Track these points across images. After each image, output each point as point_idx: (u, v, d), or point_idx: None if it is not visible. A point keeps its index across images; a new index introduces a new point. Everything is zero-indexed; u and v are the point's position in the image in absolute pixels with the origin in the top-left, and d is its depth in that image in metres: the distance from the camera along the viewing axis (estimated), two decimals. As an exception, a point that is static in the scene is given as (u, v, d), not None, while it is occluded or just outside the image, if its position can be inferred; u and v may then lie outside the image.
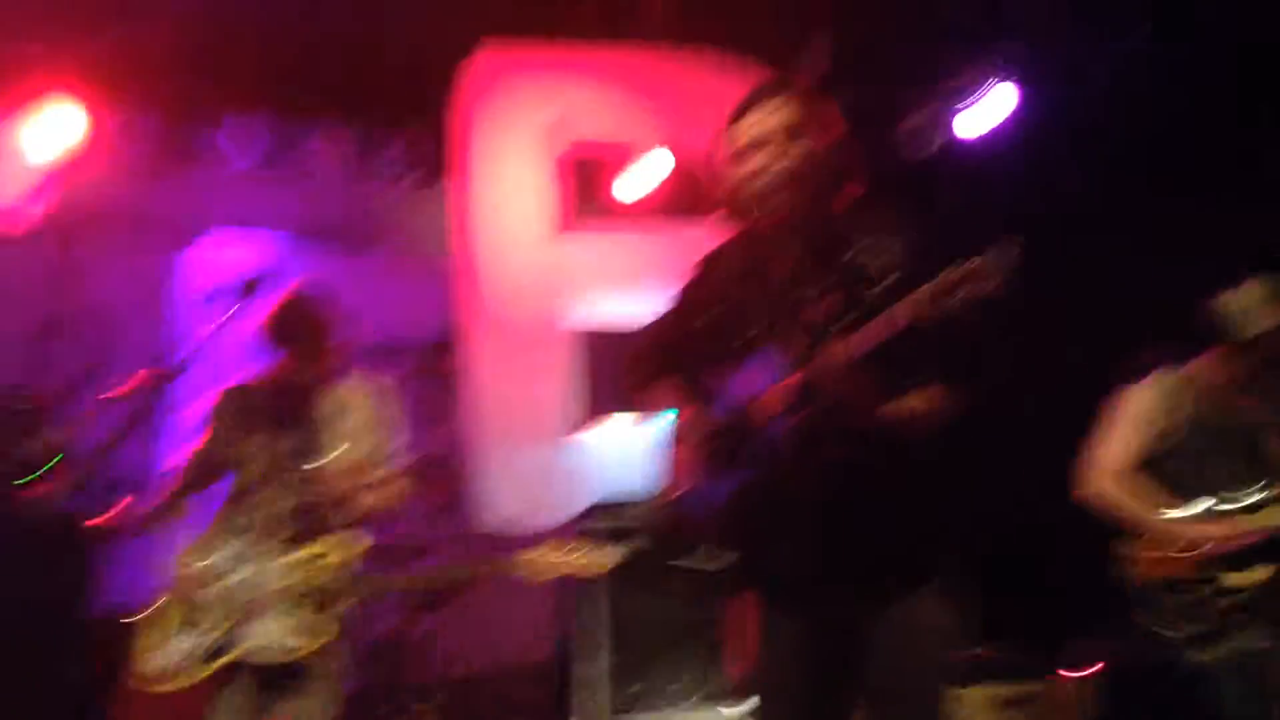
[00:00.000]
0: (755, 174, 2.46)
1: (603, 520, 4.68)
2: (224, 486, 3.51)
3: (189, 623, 3.35)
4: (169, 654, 3.31)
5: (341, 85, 5.93)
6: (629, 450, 4.42)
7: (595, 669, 4.60)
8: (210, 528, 3.48)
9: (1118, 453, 3.54)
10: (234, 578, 3.35)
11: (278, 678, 3.30)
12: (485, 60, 5.39)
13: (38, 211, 5.67)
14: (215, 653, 3.30)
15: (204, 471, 3.54)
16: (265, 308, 3.59)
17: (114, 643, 4.11)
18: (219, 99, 5.85)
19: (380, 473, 3.54)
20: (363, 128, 6.06)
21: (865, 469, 2.33)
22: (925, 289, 2.12)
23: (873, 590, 2.37)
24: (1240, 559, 3.27)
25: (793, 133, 2.45)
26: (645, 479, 4.45)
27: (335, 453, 3.52)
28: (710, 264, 2.68)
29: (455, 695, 5.07)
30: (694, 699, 4.47)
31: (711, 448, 2.50)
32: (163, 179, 6.06)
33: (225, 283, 3.52)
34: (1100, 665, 4.33)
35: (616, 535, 4.66)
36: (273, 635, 3.29)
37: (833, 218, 2.47)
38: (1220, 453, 3.50)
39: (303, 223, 6.28)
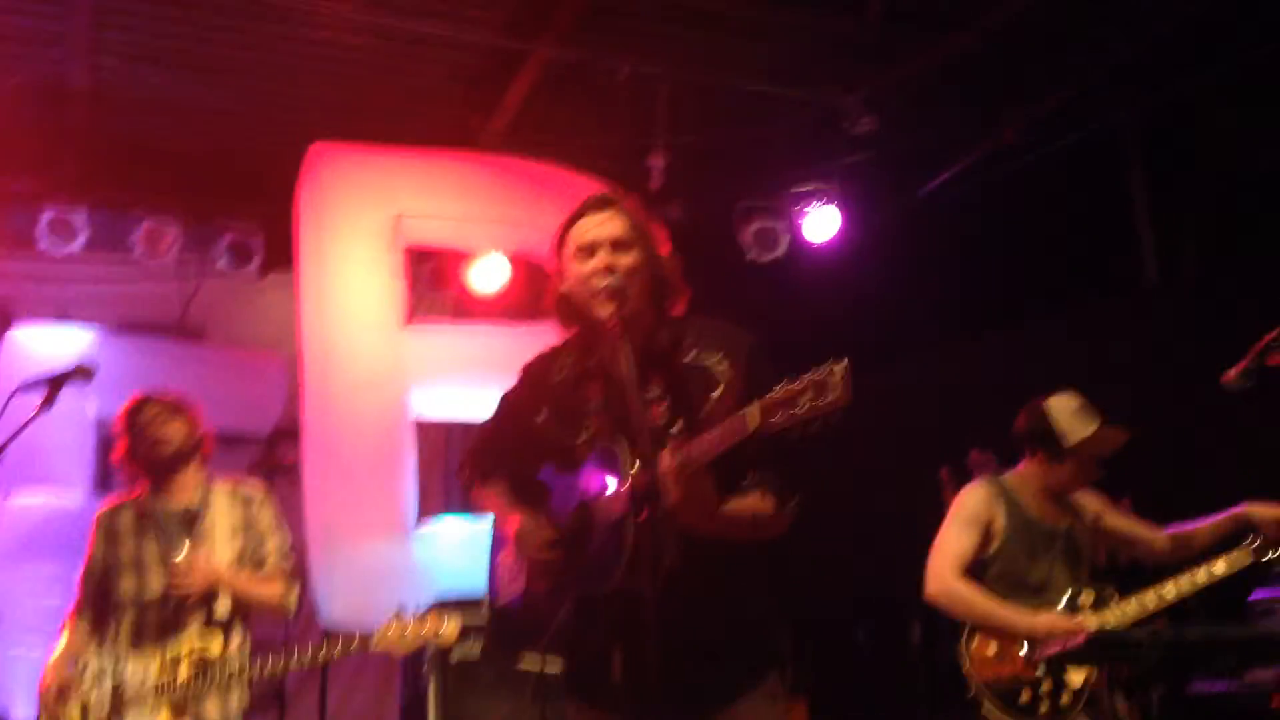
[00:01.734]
0: (584, 279, 2.50)
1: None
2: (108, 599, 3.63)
3: None
4: None
5: (172, 175, 5.85)
6: (469, 547, 4.36)
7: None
8: (81, 636, 3.62)
9: (952, 552, 3.67)
10: (108, 681, 3.48)
11: None
12: (320, 153, 5.36)
13: None
14: None
15: (93, 585, 3.66)
16: (119, 429, 3.70)
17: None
18: (42, 185, 5.67)
19: (254, 570, 3.71)
20: (194, 219, 5.94)
21: (701, 573, 2.32)
22: (770, 398, 2.12)
23: (703, 695, 2.36)
24: (1067, 658, 3.40)
25: (622, 243, 2.50)
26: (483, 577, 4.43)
27: (206, 555, 3.64)
28: (537, 368, 2.69)
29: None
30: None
31: (544, 552, 2.46)
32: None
33: (31, 378, 3.43)
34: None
35: (465, 633, 4.60)
36: None
37: (665, 324, 2.52)
38: (1042, 554, 3.67)
39: (128, 314, 6.08)
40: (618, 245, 2.50)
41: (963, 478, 5.61)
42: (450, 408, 5.42)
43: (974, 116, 5.68)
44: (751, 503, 2.37)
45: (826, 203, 6.01)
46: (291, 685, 5.12)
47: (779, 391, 2.11)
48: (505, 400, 2.75)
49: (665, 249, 2.58)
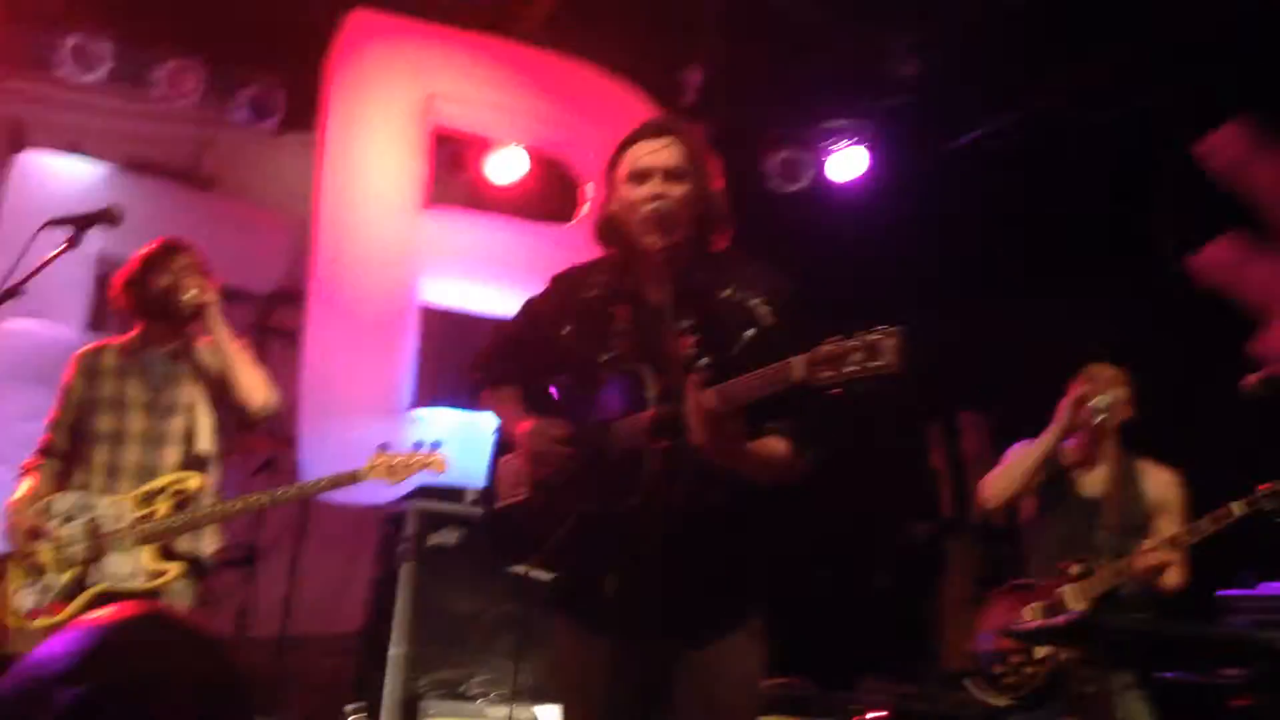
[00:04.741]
0: (633, 204, 2.47)
1: (428, 501, 4.63)
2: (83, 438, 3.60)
3: (50, 563, 3.44)
4: (36, 593, 3.41)
5: (202, 17, 5.69)
6: (460, 438, 4.38)
7: (399, 650, 4.54)
8: (50, 475, 3.58)
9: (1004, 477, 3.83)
10: (85, 518, 3.46)
11: None
12: (360, 22, 5.25)
13: None
14: (77, 588, 3.40)
15: (71, 423, 3.61)
16: (124, 273, 3.64)
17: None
18: (67, 8, 5.51)
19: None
20: (218, 66, 5.82)
21: (711, 508, 2.34)
22: (820, 352, 2.10)
23: (692, 628, 2.39)
24: (1051, 635, 3.48)
25: (675, 173, 2.48)
26: (472, 471, 4.46)
27: (193, 409, 3.61)
28: (567, 281, 2.67)
29: (254, 656, 4.95)
30: (492, 695, 4.46)
31: (555, 448, 2.47)
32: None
33: (60, 215, 3.44)
34: (894, 708, 4.53)
35: (440, 520, 4.65)
36: (127, 567, 3.42)
37: (706, 258, 2.51)
38: (1063, 522, 3.77)
39: (140, 154, 5.98)
40: (671, 174, 2.48)
41: (951, 436, 5.70)
42: (457, 297, 5.40)
43: (1017, 75, 5.59)
44: (773, 447, 2.38)
45: (857, 142, 5.94)
46: (264, 543, 5.17)
47: (830, 346, 2.09)
48: (529, 307, 2.73)
49: (717, 183, 2.56)
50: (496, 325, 2.84)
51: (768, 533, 2.50)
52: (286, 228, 5.97)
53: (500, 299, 5.39)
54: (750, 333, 2.38)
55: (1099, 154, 5.26)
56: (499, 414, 2.69)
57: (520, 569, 2.59)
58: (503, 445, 2.66)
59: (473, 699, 4.42)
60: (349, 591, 5.44)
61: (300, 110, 5.78)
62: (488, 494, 2.68)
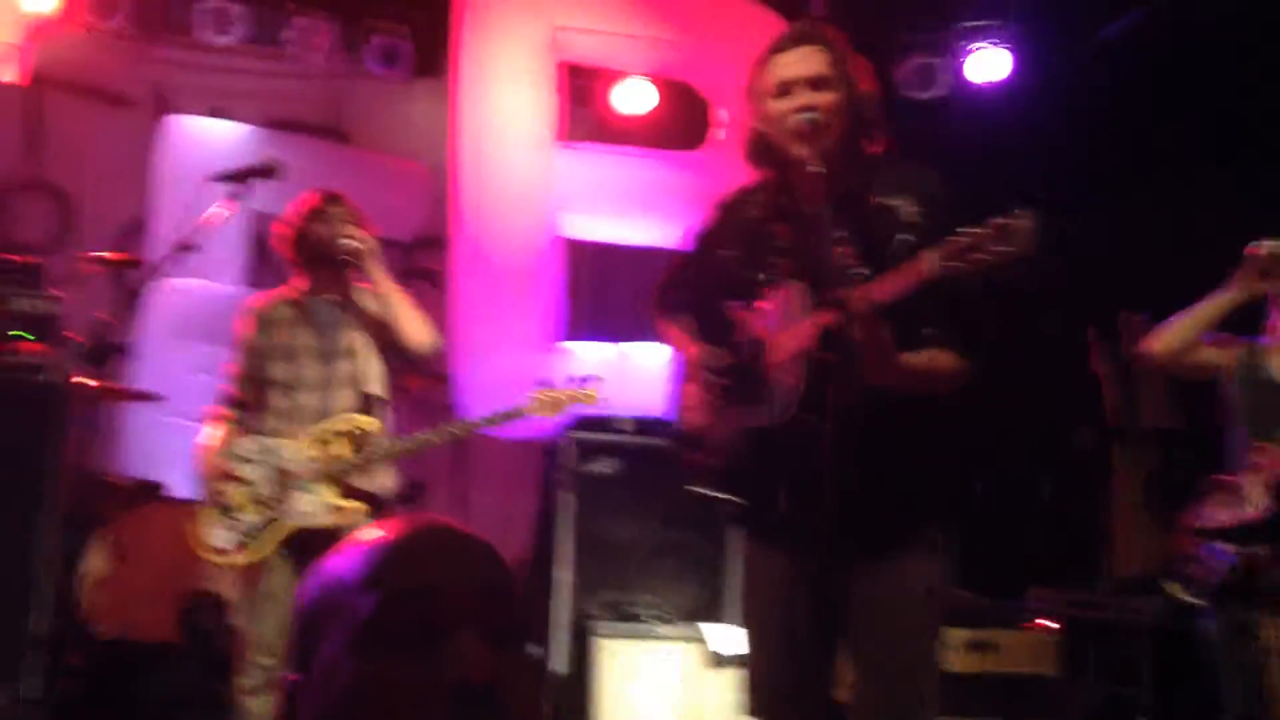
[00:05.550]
0: (780, 117, 2.44)
1: (585, 432, 4.70)
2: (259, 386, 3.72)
3: (240, 504, 3.59)
4: (228, 532, 3.57)
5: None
6: (611, 370, 4.43)
7: (564, 576, 4.65)
8: (235, 422, 3.71)
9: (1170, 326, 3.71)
10: (268, 460, 3.60)
11: (320, 545, 3.41)
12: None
13: (16, 67, 5.49)
14: (266, 527, 3.55)
15: (252, 373, 3.74)
16: (289, 225, 3.73)
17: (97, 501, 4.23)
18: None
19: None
20: (349, 15, 5.91)
21: (875, 418, 2.31)
22: (955, 242, 2.10)
23: (868, 541, 2.38)
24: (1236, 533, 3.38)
25: (821, 81, 2.43)
26: (624, 400, 4.51)
27: (359, 353, 3.71)
28: (729, 204, 2.66)
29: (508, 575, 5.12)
30: (668, 613, 4.55)
31: (724, 385, 2.49)
32: (141, 51, 5.88)
33: (221, 170, 3.56)
34: (1067, 616, 4.48)
35: (599, 450, 4.72)
36: (313, 504, 3.56)
37: (857, 167, 2.46)
38: (1251, 409, 3.62)
39: (279, 112, 6.14)
40: (817, 83, 2.43)
41: (1112, 338, 5.52)
42: (599, 231, 5.44)
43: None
44: (929, 356, 2.35)
45: (995, 42, 5.72)
46: (426, 479, 5.33)
47: (968, 235, 2.09)
48: (695, 234, 2.73)
49: (867, 85, 2.50)
50: (668, 257, 2.87)
51: (935, 442, 2.47)
52: (423, 174, 6.07)
53: (641, 230, 5.43)
54: (903, 236, 2.34)
55: (1260, 36, 4.97)
56: (674, 343, 2.71)
57: (699, 490, 2.61)
58: (681, 372, 2.67)
59: (639, 620, 4.51)
60: (512, 523, 5.57)
61: (429, 57, 5.85)
62: (665, 424, 2.71)
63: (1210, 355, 3.74)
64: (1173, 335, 3.74)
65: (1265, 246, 3.56)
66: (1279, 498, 3.39)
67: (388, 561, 1.10)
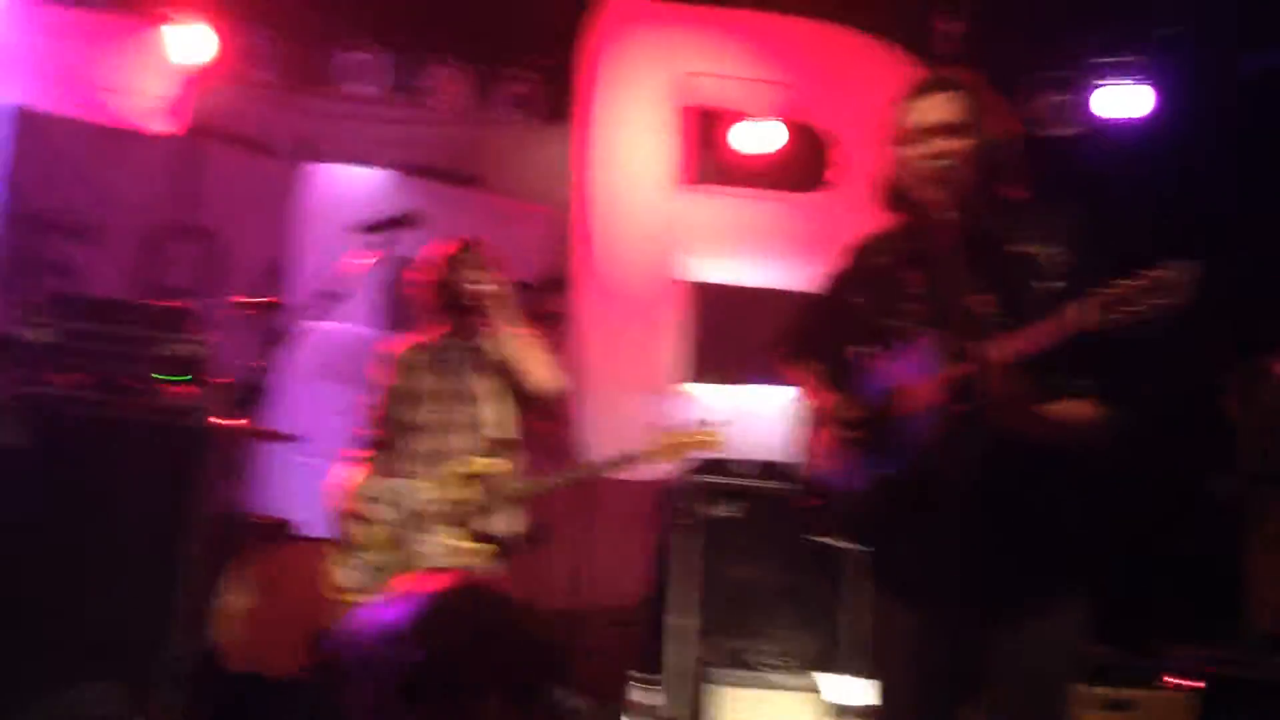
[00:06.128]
0: (914, 163, 2.43)
1: (707, 475, 4.71)
2: (390, 428, 3.83)
3: (368, 544, 3.68)
4: (357, 572, 3.67)
5: (464, 19, 5.97)
6: (735, 413, 4.43)
7: (679, 621, 4.65)
8: (373, 464, 3.81)
9: None
10: (396, 502, 3.69)
11: None
12: (614, 8, 5.37)
13: (170, 117, 5.79)
14: (393, 568, 3.63)
15: (386, 416, 3.84)
16: (427, 272, 3.85)
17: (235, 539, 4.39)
18: (346, 26, 5.90)
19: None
20: (483, 64, 6.09)
21: (1012, 472, 2.28)
22: (1106, 294, 2.06)
23: (1002, 597, 2.33)
24: None
25: (955, 128, 2.41)
26: (746, 443, 4.50)
27: (489, 397, 3.79)
28: (861, 249, 2.65)
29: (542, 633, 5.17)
30: (785, 661, 4.51)
31: (856, 434, 2.47)
32: (285, 101, 6.15)
33: (368, 219, 3.68)
34: (1207, 674, 4.29)
35: (721, 493, 4.72)
36: (435, 546, 3.63)
37: (996, 213, 2.43)
38: None
39: (419, 158, 6.34)
40: (951, 130, 2.41)
41: (1249, 382, 5.30)
42: (724, 272, 5.47)
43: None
44: (1072, 406, 2.30)
45: (1129, 78, 5.58)
46: (548, 520, 5.39)
47: (1119, 287, 2.04)
48: (826, 278, 2.72)
49: (1005, 130, 2.47)
50: (799, 301, 2.85)
51: (1071, 496, 2.40)
52: (550, 217, 6.19)
53: (762, 272, 5.44)
54: (1044, 284, 2.30)
55: None
56: (803, 389, 2.70)
57: (824, 538, 2.60)
58: (809, 418, 2.66)
59: (757, 668, 4.48)
60: (632, 565, 5.59)
61: (559, 102, 5.98)
62: (793, 467, 2.70)
63: None
64: None
65: None
66: None
67: (431, 618, 1.14)
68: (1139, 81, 5.58)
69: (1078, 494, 2.42)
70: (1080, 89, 5.75)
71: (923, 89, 2.50)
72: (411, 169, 6.25)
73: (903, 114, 2.49)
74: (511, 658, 1.15)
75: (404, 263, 4.43)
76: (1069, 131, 5.75)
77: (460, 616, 1.17)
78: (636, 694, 4.61)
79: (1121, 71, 5.61)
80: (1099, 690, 4.09)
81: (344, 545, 3.73)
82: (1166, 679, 4.33)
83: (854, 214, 2.64)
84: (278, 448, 5.30)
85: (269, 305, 4.67)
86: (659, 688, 4.59)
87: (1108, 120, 5.72)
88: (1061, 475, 2.38)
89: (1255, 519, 5.29)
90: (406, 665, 1.11)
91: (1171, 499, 5.32)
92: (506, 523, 3.78)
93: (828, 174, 5.65)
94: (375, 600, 3.01)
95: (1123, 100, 5.66)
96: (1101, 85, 5.67)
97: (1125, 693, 4.15)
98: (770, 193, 5.74)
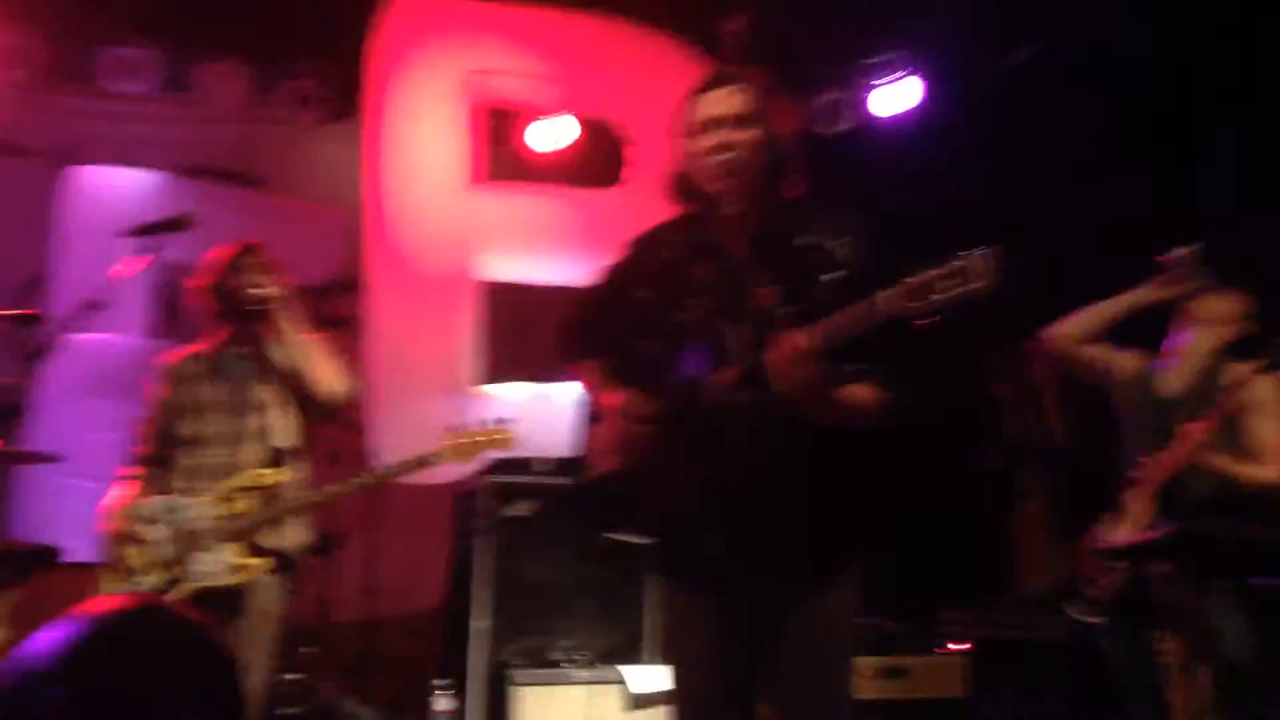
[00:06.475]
0: (700, 155, 2.47)
1: (503, 475, 4.68)
2: (168, 444, 3.67)
3: (140, 566, 3.49)
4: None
5: (238, 15, 5.75)
6: (529, 411, 4.43)
7: (481, 624, 4.62)
8: (143, 482, 3.63)
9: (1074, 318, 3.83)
10: (170, 520, 3.51)
11: (222, 603, 3.42)
12: (403, 4, 5.29)
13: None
14: (168, 589, 3.43)
15: (161, 430, 3.67)
16: (205, 277, 3.68)
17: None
18: (109, 23, 5.60)
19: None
20: (261, 61, 5.88)
21: (801, 457, 2.34)
22: (913, 282, 2.11)
23: (799, 579, 2.40)
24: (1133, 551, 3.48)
25: (741, 120, 2.46)
26: (544, 440, 4.49)
27: (271, 406, 3.66)
28: (644, 243, 2.66)
29: (338, 641, 5.05)
30: (585, 656, 4.52)
31: (649, 428, 2.47)
32: (47, 102, 5.79)
33: (137, 223, 3.52)
34: (978, 637, 4.54)
35: (517, 492, 4.70)
36: (213, 565, 3.46)
37: (781, 205, 2.49)
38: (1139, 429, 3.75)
39: (194, 159, 6.07)
40: (736, 122, 2.46)
41: (1014, 361, 5.66)
42: (517, 271, 5.45)
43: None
44: (858, 390, 2.36)
45: (900, 74, 5.85)
46: (341, 529, 5.25)
47: (926, 274, 2.11)
48: (609, 274, 2.72)
49: (787, 127, 2.53)
50: (578, 296, 2.83)
51: (858, 476, 2.48)
52: (337, 218, 6.04)
53: (559, 269, 5.44)
54: (831, 276, 2.36)
55: (1145, 67, 5.17)
56: (587, 385, 2.69)
57: (616, 535, 2.60)
58: (593, 415, 2.66)
59: (558, 665, 4.49)
60: (426, 571, 5.52)
61: (342, 101, 5.84)
62: (578, 463, 2.67)
63: (1108, 355, 3.86)
64: (1076, 322, 3.88)
65: (1175, 253, 3.70)
66: (1164, 509, 3.50)
67: (84, 648, 1.03)
68: (908, 78, 5.84)
69: (862, 474, 2.49)
70: (856, 87, 5.99)
71: (709, 83, 2.54)
72: (185, 170, 5.99)
73: (690, 108, 2.53)
74: (196, 682, 1.03)
75: (178, 269, 4.25)
76: (845, 128, 5.98)
77: (125, 643, 1.03)
78: (438, 701, 4.54)
79: (892, 69, 5.86)
80: (874, 659, 4.27)
81: (117, 569, 3.52)
82: (938, 645, 4.56)
83: (650, 210, 2.64)
84: (42, 469, 4.99)
85: (27, 318, 4.38)
86: (460, 693, 4.53)
87: (882, 117, 5.98)
88: (847, 456, 2.45)
89: (1021, 490, 5.66)
90: (63, 704, 0.97)
91: (947, 474, 5.61)
92: (294, 535, 3.65)
93: (624, 170, 5.70)
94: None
95: (894, 97, 5.92)
96: (875, 83, 5.92)
97: (900, 660, 4.35)
98: (566, 190, 5.75)
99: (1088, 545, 3.64)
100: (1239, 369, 3.54)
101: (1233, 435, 3.55)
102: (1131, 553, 3.49)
